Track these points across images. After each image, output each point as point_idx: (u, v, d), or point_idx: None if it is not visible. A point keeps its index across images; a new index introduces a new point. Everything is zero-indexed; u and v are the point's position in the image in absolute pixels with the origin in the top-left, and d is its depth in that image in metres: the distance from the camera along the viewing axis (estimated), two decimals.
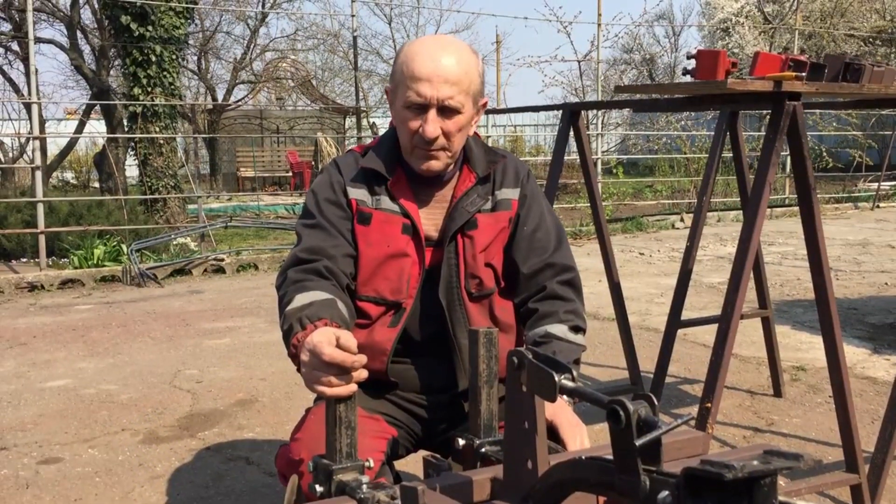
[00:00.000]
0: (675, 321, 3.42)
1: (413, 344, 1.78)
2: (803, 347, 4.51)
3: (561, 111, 3.17)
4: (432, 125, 1.64)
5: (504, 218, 1.79)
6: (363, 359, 1.31)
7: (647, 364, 3.75)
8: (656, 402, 0.99)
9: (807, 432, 3.23)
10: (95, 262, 7.38)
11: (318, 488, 1.26)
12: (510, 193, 1.81)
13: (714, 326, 4.12)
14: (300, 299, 1.57)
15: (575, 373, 1.11)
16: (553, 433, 1.61)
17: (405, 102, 1.64)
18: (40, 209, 7.54)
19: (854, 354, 4.24)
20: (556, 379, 1.08)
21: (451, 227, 1.74)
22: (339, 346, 1.30)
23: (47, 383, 4.08)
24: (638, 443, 0.94)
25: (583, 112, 3.23)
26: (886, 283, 6.36)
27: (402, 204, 1.74)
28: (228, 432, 3.35)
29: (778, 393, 3.66)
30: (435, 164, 1.71)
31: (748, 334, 4.55)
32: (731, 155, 3.49)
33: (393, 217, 1.74)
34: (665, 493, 0.90)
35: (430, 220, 1.78)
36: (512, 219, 1.80)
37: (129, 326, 5.35)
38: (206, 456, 3.11)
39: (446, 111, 1.65)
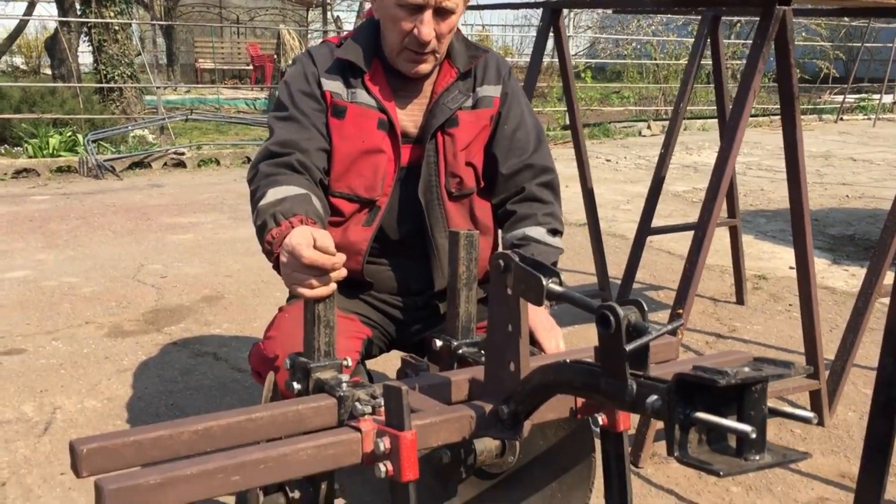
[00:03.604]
0: (646, 228, 3.43)
1: (389, 244, 1.75)
2: (765, 257, 4.58)
3: (541, 10, 3.07)
4: (428, 27, 1.56)
5: (485, 116, 1.74)
6: (342, 258, 1.28)
7: (614, 270, 3.78)
8: (645, 308, 0.98)
9: (767, 339, 3.31)
10: (51, 151, 7.15)
11: (296, 385, 1.24)
12: (492, 91, 1.75)
13: (679, 234, 4.15)
14: (273, 194, 1.53)
15: (561, 277, 1.09)
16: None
17: (399, 1, 1.56)
18: None
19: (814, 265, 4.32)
20: (545, 283, 1.07)
21: (432, 124, 1.68)
22: (316, 247, 1.26)
23: (6, 274, 3.99)
24: (629, 348, 0.93)
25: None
26: (847, 196, 6.45)
27: (378, 98, 1.68)
28: (195, 328, 3.33)
29: (740, 301, 3.73)
30: (424, 68, 1.65)
31: (713, 243, 4.59)
32: (710, 62, 3.43)
33: (368, 111, 1.67)
34: (654, 397, 0.90)
35: (408, 116, 1.72)
36: (493, 117, 1.75)
37: (88, 219, 5.23)
38: (173, 351, 3.10)
39: (442, 12, 1.57)
